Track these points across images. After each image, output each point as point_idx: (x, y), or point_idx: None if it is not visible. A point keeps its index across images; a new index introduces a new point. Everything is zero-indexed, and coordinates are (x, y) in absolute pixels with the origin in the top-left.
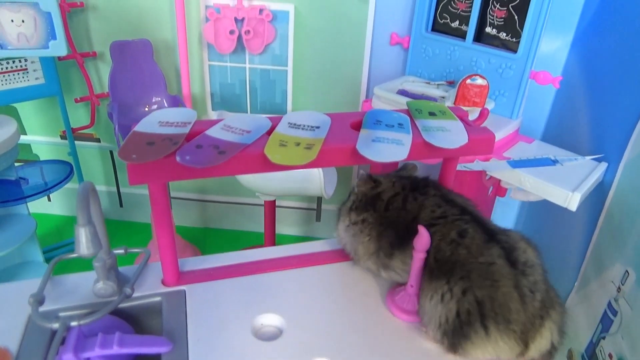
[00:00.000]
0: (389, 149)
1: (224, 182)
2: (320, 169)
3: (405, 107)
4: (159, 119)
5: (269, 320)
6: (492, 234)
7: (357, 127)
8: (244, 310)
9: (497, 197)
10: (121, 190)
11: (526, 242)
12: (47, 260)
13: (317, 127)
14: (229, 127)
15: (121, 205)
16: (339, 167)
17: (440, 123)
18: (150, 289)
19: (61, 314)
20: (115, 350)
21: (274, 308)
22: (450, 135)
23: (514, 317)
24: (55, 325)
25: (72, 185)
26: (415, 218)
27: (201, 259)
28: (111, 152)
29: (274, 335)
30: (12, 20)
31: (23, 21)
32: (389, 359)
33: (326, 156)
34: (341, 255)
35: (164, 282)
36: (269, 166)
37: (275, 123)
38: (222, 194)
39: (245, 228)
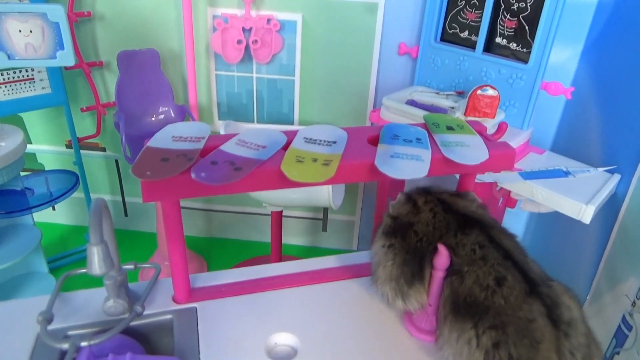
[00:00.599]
0: (408, 165)
1: None
2: None
3: (415, 117)
4: (172, 133)
5: (283, 339)
6: (534, 285)
7: (374, 141)
8: (257, 328)
9: (507, 208)
10: (126, 199)
11: (569, 295)
12: (52, 270)
13: (334, 142)
14: (244, 142)
15: (126, 215)
16: None
17: (458, 138)
18: (160, 306)
19: (70, 333)
20: None
21: (288, 327)
22: (469, 150)
23: None
24: (65, 346)
25: (77, 194)
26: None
27: (212, 275)
28: (116, 162)
29: (288, 355)
30: (20, 31)
31: (31, 31)
32: None
33: (344, 172)
34: (354, 271)
35: (174, 299)
36: (285, 183)
37: (290, 138)
38: (228, 204)
39: (251, 238)
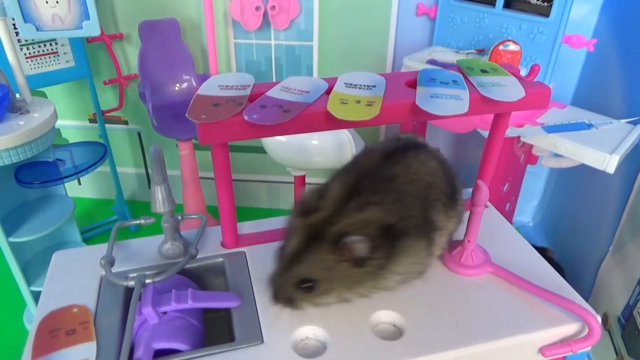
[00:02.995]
0: (448, 104)
1: (252, 160)
2: (351, 140)
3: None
4: (218, 83)
5: None
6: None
7: (412, 85)
8: None
9: (528, 165)
10: (150, 171)
11: None
12: (85, 240)
13: (374, 86)
14: (288, 88)
15: (149, 187)
16: (368, 139)
17: (494, 79)
18: (210, 251)
19: (131, 275)
20: (190, 304)
21: None
22: (506, 89)
23: None
24: (132, 283)
25: (102, 169)
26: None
27: (256, 223)
28: (139, 134)
29: None
30: (46, 2)
31: (57, 2)
32: (449, 312)
33: (387, 112)
34: None
35: (223, 245)
36: (333, 123)
37: (331, 84)
38: (251, 173)
39: (274, 206)
